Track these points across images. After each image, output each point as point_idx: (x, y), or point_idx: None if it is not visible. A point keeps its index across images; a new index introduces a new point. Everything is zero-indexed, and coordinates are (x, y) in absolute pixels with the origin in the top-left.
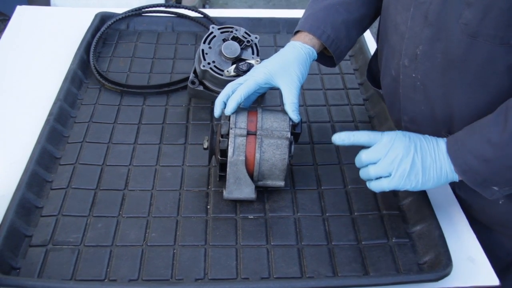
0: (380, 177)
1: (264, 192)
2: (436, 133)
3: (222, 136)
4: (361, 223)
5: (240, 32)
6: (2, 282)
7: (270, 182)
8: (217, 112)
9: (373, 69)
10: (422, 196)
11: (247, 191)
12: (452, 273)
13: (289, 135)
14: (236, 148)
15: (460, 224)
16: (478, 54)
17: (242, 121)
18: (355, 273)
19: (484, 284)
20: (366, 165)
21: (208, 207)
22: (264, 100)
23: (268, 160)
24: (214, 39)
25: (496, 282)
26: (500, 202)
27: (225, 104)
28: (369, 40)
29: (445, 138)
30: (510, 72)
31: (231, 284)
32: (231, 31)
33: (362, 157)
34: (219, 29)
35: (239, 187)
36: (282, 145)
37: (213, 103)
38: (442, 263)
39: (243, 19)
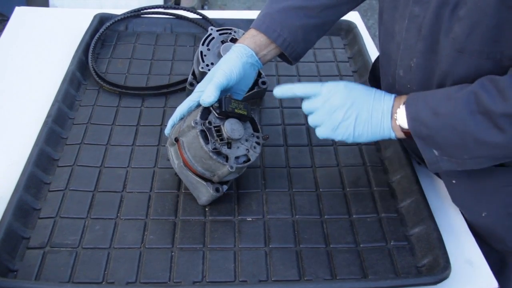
0: (317, 126)
1: (262, 194)
2: None
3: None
4: (360, 225)
5: (239, 33)
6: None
7: (219, 173)
8: (167, 131)
9: (376, 70)
10: (420, 199)
11: (205, 191)
12: (450, 276)
13: (196, 123)
14: (175, 158)
15: (458, 227)
16: (465, 67)
17: (174, 131)
18: (353, 276)
19: (482, 287)
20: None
21: (206, 209)
22: (263, 102)
23: (195, 156)
24: (213, 40)
25: (495, 284)
26: (483, 215)
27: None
28: (368, 42)
29: (394, 94)
30: None
31: (229, 287)
32: (230, 33)
33: (303, 106)
34: (217, 30)
35: (200, 191)
36: (195, 135)
37: None
38: (440, 266)
39: (242, 20)
